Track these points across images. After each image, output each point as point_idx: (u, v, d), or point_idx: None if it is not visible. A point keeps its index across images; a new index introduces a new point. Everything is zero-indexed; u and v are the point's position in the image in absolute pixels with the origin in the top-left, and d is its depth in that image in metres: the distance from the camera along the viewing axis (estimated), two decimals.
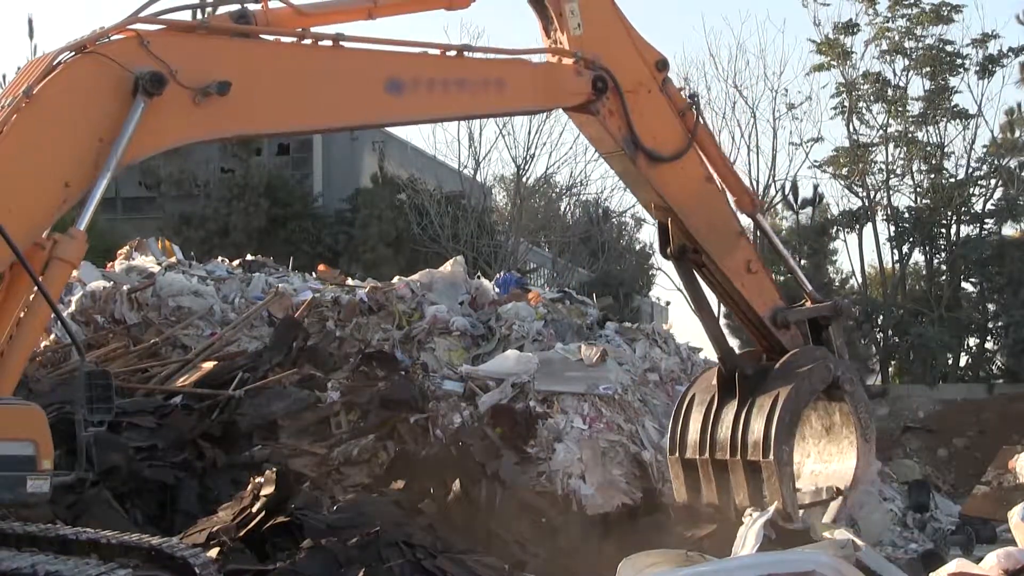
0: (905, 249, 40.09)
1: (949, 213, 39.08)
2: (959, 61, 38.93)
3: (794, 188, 43.67)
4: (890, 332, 39.72)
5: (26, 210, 6.56)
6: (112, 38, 6.89)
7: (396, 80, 7.75)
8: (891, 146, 39.21)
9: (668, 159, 8.75)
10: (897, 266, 40.55)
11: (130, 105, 6.74)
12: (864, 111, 39.46)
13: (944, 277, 39.50)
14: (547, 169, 42.59)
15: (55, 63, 6.74)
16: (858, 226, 40.24)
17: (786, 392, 8.42)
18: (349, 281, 21.77)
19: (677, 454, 9.05)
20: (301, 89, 7.45)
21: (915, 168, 39.55)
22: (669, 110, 8.90)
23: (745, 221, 9.91)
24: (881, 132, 39.24)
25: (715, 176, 9.21)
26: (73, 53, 6.79)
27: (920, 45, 38.87)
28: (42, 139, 6.62)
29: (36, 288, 6.53)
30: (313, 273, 22.46)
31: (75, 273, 19.53)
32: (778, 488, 8.20)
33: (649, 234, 64.49)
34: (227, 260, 21.93)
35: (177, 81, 6.83)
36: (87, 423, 6.62)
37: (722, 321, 44.89)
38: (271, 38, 7.57)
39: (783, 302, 9.11)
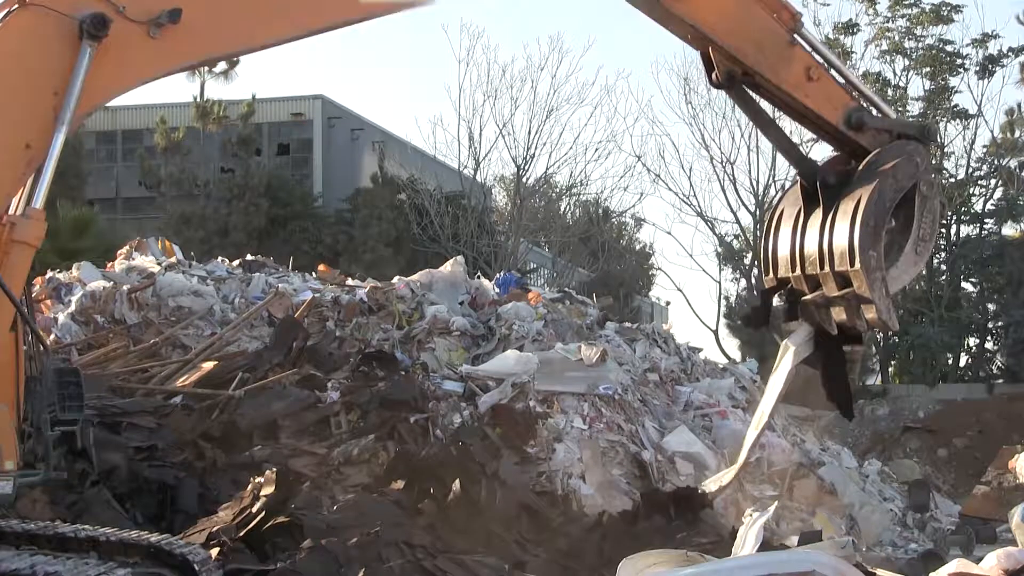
0: None
1: (949, 213, 39.09)
2: (959, 61, 38.96)
3: None
4: (890, 332, 39.71)
5: None
6: None
7: None
8: None
9: None
10: None
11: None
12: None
13: (944, 277, 39.51)
14: (547, 169, 42.55)
15: None
16: None
17: (868, 192, 7.75)
18: (349, 281, 21.77)
19: (771, 274, 8.45)
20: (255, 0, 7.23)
21: None
22: None
23: None
24: None
25: None
26: (9, 10, 6.56)
27: (920, 45, 38.91)
28: None
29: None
30: (313, 273, 22.46)
31: (75, 272, 19.70)
32: (869, 297, 7.62)
33: (649, 234, 64.33)
34: (227, 260, 21.93)
35: (126, 17, 6.59)
36: (57, 422, 6.50)
37: (722, 321, 44.47)
38: None
39: (855, 102, 8.34)
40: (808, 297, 8.07)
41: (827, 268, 7.92)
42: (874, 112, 8.48)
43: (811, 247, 8.09)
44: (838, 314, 7.94)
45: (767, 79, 8.13)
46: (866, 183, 7.89)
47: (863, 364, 8.33)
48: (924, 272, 40.37)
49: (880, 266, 7.69)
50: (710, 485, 11.31)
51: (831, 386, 8.30)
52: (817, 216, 8.15)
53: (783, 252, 8.38)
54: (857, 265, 7.62)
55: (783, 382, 8.29)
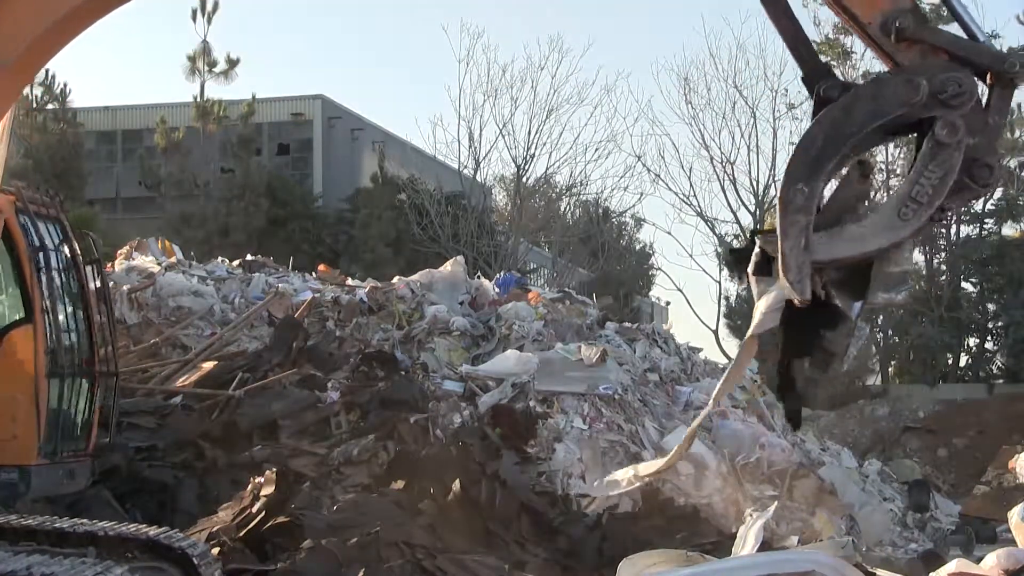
0: None
1: (949, 213, 39.08)
2: None
3: None
4: (890, 332, 39.71)
5: None
6: None
7: None
8: (891, 146, 39.23)
9: None
10: None
11: None
12: None
13: (944, 277, 39.51)
14: (547, 169, 42.53)
15: None
16: None
17: (829, 110, 5.80)
18: (349, 281, 21.78)
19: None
20: None
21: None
22: None
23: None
24: None
25: None
26: None
27: None
28: None
29: None
30: (313, 273, 22.47)
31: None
32: (780, 243, 5.58)
33: (649, 234, 64.23)
34: (227, 260, 21.93)
35: None
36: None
37: (722, 321, 44.11)
38: None
39: (910, 2, 5.99)
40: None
41: None
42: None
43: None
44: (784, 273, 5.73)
45: None
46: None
47: (843, 358, 5.52)
48: (924, 272, 40.37)
49: (806, 208, 5.63)
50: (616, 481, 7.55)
51: (780, 377, 5.78)
52: None
53: None
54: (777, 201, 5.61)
55: (737, 357, 6.35)
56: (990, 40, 6.00)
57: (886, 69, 5.99)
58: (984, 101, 5.81)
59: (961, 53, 6.13)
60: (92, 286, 9.00)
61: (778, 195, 5.53)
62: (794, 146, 5.68)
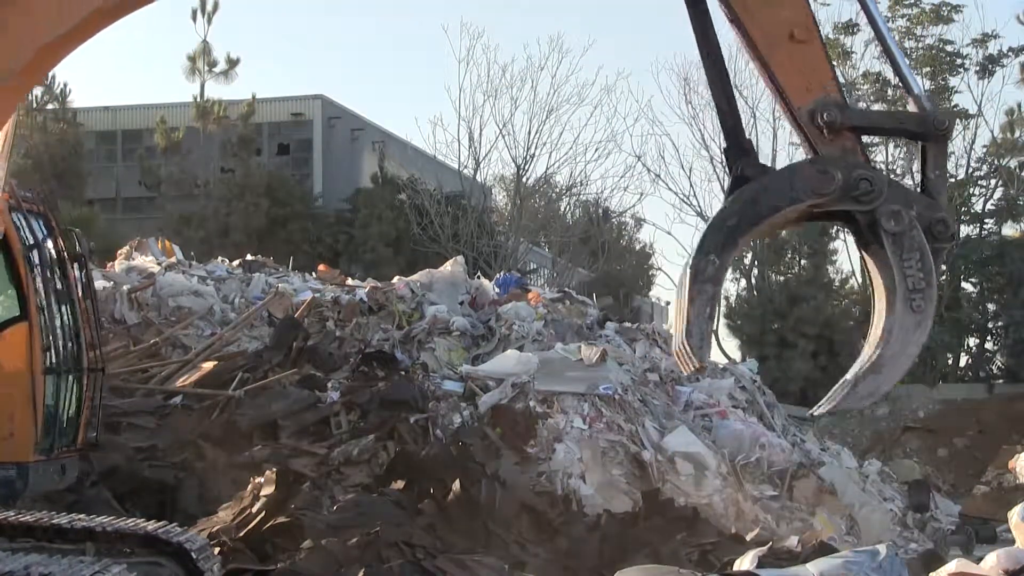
0: None
1: None
2: (959, 61, 39.01)
3: None
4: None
5: None
6: None
7: None
8: (891, 146, 39.27)
9: None
10: None
11: None
12: None
13: (944, 277, 39.50)
14: (547, 169, 42.48)
15: None
16: None
17: (746, 188, 5.92)
18: (349, 281, 21.79)
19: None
20: None
21: (915, 168, 39.58)
22: None
23: None
24: None
25: None
26: None
27: (920, 45, 38.96)
28: None
29: None
30: (313, 273, 22.47)
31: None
32: (687, 310, 5.73)
33: (649, 234, 64.18)
34: (227, 260, 21.93)
35: None
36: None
37: (722, 321, 44.06)
38: None
39: (839, 94, 5.99)
40: None
41: None
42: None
43: None
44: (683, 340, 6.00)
45: (745, 10, 5.93)
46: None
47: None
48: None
49: (713, 279, 5.79)
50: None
51: None
52: None
53: None
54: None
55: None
56: (925, 97, 6.07)
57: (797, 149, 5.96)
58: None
59: (889, 125, 6.72)
60: (78, 282, 9.03)
61: (689, 264, 5.77)
62: (708, 220, 5.93)
